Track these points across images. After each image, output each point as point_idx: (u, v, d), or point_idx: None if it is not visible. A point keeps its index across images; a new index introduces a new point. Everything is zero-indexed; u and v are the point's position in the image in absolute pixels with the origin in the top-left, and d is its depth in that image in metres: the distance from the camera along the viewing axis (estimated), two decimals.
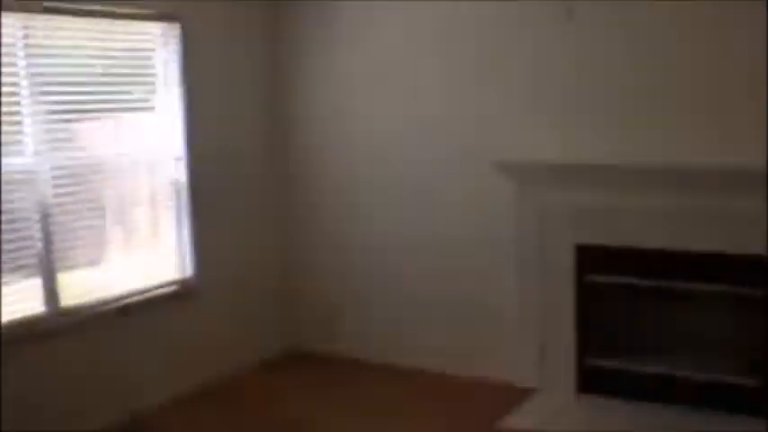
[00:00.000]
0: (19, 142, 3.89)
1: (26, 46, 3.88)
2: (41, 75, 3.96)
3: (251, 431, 4.28)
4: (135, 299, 4.47)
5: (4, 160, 3.79)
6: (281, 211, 5.40)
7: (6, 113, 3.80)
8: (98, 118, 4.33)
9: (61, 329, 4.05)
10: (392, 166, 4.98)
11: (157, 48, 4.60)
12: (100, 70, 4.28)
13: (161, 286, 4.66)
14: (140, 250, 4.59)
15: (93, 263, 4.35)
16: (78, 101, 4.18)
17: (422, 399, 4.60)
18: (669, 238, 4.18)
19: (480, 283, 4.76)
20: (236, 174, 5.07)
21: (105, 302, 4.32)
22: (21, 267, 3.94)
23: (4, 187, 3.79)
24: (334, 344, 5.32)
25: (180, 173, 4.74)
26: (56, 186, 4.05)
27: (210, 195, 4.86)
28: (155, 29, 4.55)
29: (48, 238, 4.01)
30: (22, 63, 3.87)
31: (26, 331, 3.91)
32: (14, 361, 3.81)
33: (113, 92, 4.38)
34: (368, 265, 5.16)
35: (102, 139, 4.36)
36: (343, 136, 5.13)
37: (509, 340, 4.69)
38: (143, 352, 4.49)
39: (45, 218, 3.99)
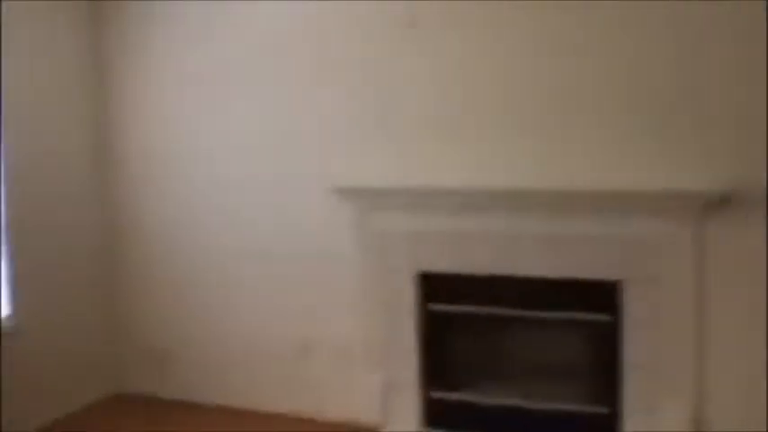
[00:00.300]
0: None
1: None
2: None
3: None
4: None
5: None
6: (108, 244, 5.04)
7: None
8: None
9: None
10: (225, 194, 4.69)
11: None
12: None
13: None
14: None
15: None
16: None
17: None
18: (516, 264, 4.05)
19: (320, 316, 4.53)
20: (56, 205, 4.70)
21: None
22: None
23: None
24: (166, 385, 4.97)
25: None
26: None
27: (28, 227, 4.48)
28: None
29: None
30: None
31: None
32: None
33: None
34: (199, 302, 4.85)
35: None
36: (172, 160, 4.81)
37: (351, 375, 4.46)
38: None
39: None
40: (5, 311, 4.41)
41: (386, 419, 4.36)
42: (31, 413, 4.49)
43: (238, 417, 4.64)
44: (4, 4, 4.33)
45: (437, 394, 4.33)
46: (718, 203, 3.70)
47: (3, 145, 4.34)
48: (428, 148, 4.19)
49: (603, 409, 4.05)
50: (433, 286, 4.24)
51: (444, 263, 4.18)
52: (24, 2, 4.46)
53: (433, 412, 4.33)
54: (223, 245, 4.73)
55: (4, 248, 4.38)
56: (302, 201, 4.47)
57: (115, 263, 5.04)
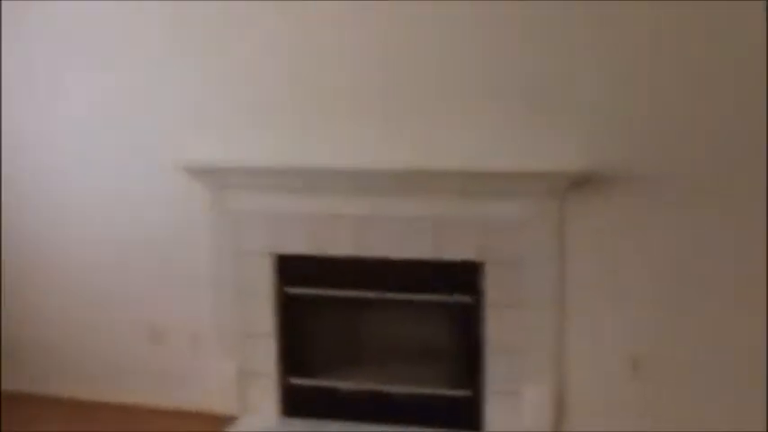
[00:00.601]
0: None
1: None
2: None
3: None
4: None
5: None
6: None
7: None
8: None
9: None
10: (67, 176, 4.35)
11: None
12: None
13: None
14: None
15: None
16: None
17: None
18: (376, 245, 3.93)
19: (172, 301, 4.30)
20: None
21: None
22: None
23: None
24: (8, 377, 4.64)
25: None
26: None
27: None
28: None
29: None
30: None
31: None
32: None
33: None
34: (42, 289, 4.53)
35: None
36: (10, 144, 4.42)
37: (206, 363, 4.26)
38: None
39: None
40: None
41: (243, 408, 4.21)
42: None
43: (88, 409, 4.39)
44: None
45: (296, 381, 4.19)
46: (578, 184, 3.66)
47: None
48: (285, 126, 3.98)
49: (465, 393, 4.00)
50: (290, 269, 4.07)
51: (302, 245, 4.01)
52: None
53: (292, 400, 4.20)
54: (66, 229, 4.41)
55: None
56: (152, 181, 4.19)
57: None
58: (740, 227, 3.59)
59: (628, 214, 3.69)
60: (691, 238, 3.65)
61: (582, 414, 3.88)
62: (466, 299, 3.90)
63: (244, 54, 3.98)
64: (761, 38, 3.40)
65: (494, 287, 3.84)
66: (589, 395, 3.87)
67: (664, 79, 3.54)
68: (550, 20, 3.60)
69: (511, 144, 3.73)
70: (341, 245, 3.96)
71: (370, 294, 4.01)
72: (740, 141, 3.52)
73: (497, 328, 3.87)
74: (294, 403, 4.20)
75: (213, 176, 4.02)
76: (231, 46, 3.99)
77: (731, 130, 3.52)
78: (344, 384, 4.15)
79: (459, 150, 3.78)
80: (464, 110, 3.77)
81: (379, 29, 3.80)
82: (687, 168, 3.60)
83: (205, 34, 4.01)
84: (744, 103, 3.48)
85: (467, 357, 3.97)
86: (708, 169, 3.58)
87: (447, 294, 3.93)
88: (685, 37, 3.50)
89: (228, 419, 4.17)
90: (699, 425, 3.70)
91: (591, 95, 3.62)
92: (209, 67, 4.04)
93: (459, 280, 3.89)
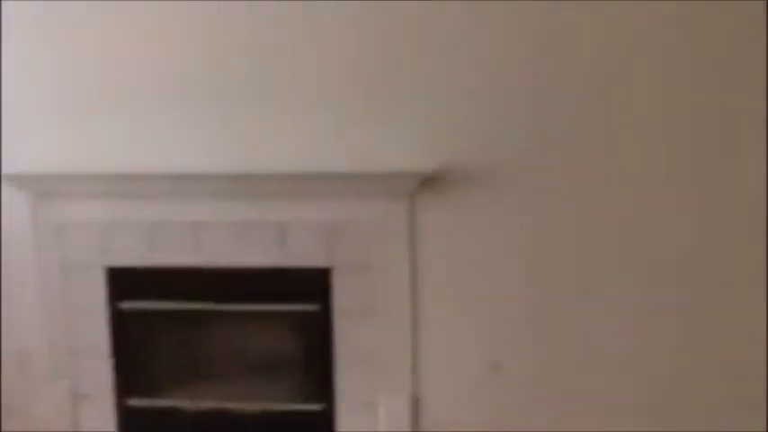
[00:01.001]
0: None
1: None
2: None
3: None
4: None
5: None
6: None
7: None
8: None
9: None
10: None
11: None
12: None
13: None
14: None
15: None
16: None
17: None
18: (216, 255, 3.71)
19: None
20: None
21: None
22: None
23: None
24: None
25: None
26: None
27: None
28: None
29: None
30: None
31: None
32: None
33: None
34: None
35: None
36: None
37: (35, 386, 3.95)
38: None
39: None
40: None
41: None
42: None
43: None
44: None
45: (134, 402, 3.93)
46: (428, 184, 3.55)
47: None
48: (113, 129, 3.70)
49: (318, 406, 3.82)
50: (124, 282, 3.81)
51: (136, 256, 3.75)
52: None
53: (131, 422, 3.93)
54: None
55: None
56: None
57: None
58: (595, 224, 3.54)
59: (481, 214, 3.60)
60: (546, 236, 3.58)
61: (440, 422, 3.76)
62: (314, 307, 3.72)
63: (65, 55, 3.70)
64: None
65: (343, 294, 3.68)
66: (447, 402, 3.75)
67: (521, 76, 3.49)
68: (390, 15, 3.48)
69: (356, 144, 3.58)
70: (178, 254, 3.73)
71: (212, 306, 3.78)
72: (598, 139, 3.48)
73: (349, 337, 3.71)
74: (133, 426, 3.94)
75: (33, 184, 3.74)
76: (47, 47, 3.70)
77: (583, 127, 3.48)
78: (186, 404, 3.92)
79: (303, 151, 3.60)
80: (305, 109, 3.60)
81: (203, 26, 3.60)
82: (540, 166, 3.52)
83: (22, 33, 3.71)
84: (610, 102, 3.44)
85: (318, 369, 3.79)
86: (561, 166, 3.51)
87: (294, 303, 3.74)
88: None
89: None
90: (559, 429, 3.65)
91: (438, 93, 3.52)
92: (32, 66, 3.74)
93: (308, 287, 3.72)
